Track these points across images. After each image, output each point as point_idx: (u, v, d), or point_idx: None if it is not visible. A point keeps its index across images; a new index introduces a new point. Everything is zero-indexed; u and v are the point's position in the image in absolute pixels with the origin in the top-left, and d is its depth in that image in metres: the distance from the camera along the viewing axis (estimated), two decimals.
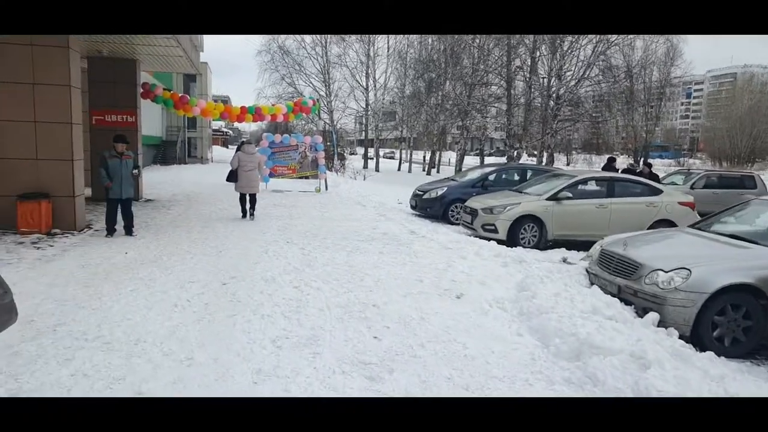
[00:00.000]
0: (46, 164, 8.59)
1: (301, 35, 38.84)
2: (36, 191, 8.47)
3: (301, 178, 17.47)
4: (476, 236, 9.69)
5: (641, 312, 4.95)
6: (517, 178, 12.53)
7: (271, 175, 17.05)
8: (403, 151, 46.39)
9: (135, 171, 8.67)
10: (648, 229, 9.49)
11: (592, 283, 5.88)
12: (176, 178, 21.39)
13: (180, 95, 14.29)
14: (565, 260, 8.42)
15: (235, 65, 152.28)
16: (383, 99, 41.19)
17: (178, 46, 11.54)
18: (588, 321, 4.38)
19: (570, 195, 9.60)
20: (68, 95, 8.58)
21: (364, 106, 40.65)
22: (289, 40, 39.07)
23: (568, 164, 49.22)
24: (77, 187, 8.90)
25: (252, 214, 11.07)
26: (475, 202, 10.22)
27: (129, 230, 8.76)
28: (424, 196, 12.30)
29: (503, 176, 12.66)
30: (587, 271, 6.25)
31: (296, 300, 5.35)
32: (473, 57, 31.81)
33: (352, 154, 48.82)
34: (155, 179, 20.48)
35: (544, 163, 35.76)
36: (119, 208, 8.68)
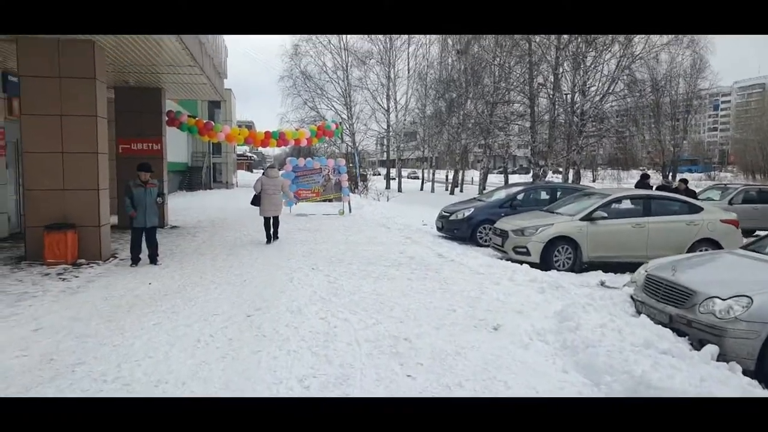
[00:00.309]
0: (72, 194, 8.57)
1: (323, 60, 39.39)
2: (62, 222, 8.45)
3: (324, 201, 17.35)
4: (507, 259, 9.37)
5: (697, 344, 4.56)
6: (546, 197, 12.17)
7: (296, 199, 16.97)
8: (426, 171, 46.21)
9: (159, 199, 8.59)
10: (689, 249, 9.06)
11: (639, 312, 5.49)
12: (201, 204, 21.51)
13: (205, 122, 14.36)
14: (602, 284, 8.03)
15: (259, 91, 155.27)
16: (404, 120, 41.24)
17: (202, 74, 11.59)
18: (641, 356, 4.01)
19: (605, 214, 9.21)
20: (95, 125, 8.59)
21: (386, 128, 40.75)
22: (311, 65, 39.59)
23: (594, 181, 48.34)
24: (103, 216, 8.86)
25: (276, 236, 11.24)
26: (505, 224, 9.89)
27: (153, 259, 8.67)
28: (451, 218, 12.00)
29: (532, 195, 12.32)
30: (633, 298, 5.86)
31: (323, 333, 5.09)
32: (494, 75, 31.67)
33: (376, 174, 48.78)
34: (181, 205, 20.61)
35: (570, 181, 35.18)
36: (144, 237, 8.61)
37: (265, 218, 11.19)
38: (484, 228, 11.58)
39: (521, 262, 8.91)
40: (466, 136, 37.37)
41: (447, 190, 42.13)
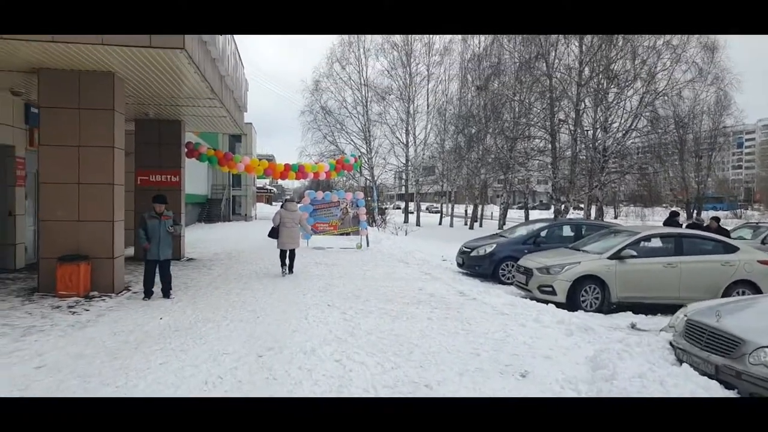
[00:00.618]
0: (86, 225, 8.46)
1: (342, 96, 39.88)
2: (76, 253, 8.32)
3: (342, 234, 17.15)
4: (531, 298, 8.97)
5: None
6: (570, 233, 11.78)
7: (313, 232, 16.80)
8: (444, 205, 45.97)
9: (170, 229, 8.37)
10: (725, 291, 8.59)
11: (680, 360, 5.06)
12: (219, 236, 21.45)
13: (224, 153, 14.36)
14: (634, 326, 7.58)
15: (280, 126, 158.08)
16: (423, 154, 41.28)
17: (222, 107, 11.60)
18: None
19: (634, 253, 8.81)
20: (111, 156, 8.54)
21: (404, 162, 40.78)
22: (331, 101, 40.09)
23: (615, 217, 47.52)
24: (117, 248, 8.72)
25: (291, 270, 11.27)
26: (530, 261, 9.51)
27: (166, 293, 8.46)
28: (472, 254, 11.66)
29: (555, 232, 11.95)
30: (672, 345, 5.43)
31: (338, 378, 4.76)
32: (514, 111, 31.64)
33: (397, 208, 48.62)
34: (199, 237, 20.59)
35: (592, 217, 34.54)
36: (158, 270, 8.43)
37: (281, 251, 11.21)
38: (507, 265, 11.20)
39: (546, 302, 8.51)
40: (486, 171, 37.19)
41: (466, 224, 41.78)
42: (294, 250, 11.37)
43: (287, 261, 11.21)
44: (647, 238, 9.22)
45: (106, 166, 8.53)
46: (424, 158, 41.62)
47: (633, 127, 26.53)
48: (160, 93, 10.15)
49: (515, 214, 52.87)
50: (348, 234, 17.15)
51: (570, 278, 8.74)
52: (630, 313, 8.53)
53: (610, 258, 8.83)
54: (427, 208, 59.74)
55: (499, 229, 36.48)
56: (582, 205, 34.18)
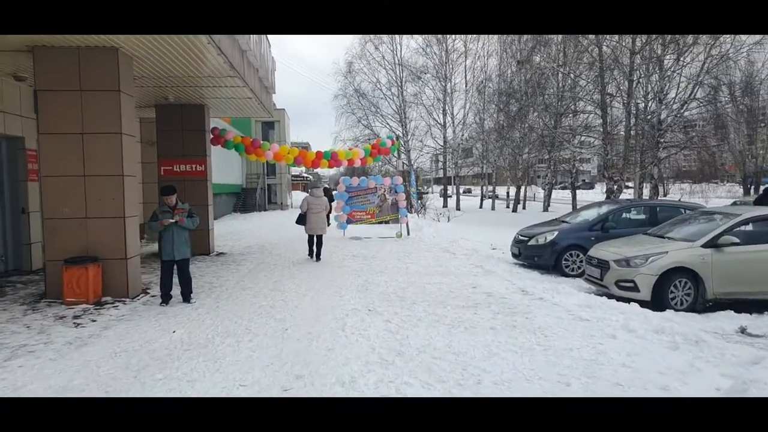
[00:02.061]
0: (95, 223, 7.50)
1: (376, 77, 38.52)
2: (83, 254, 7.38)
3: (380, 223, 15.93)
4: (606, 294, 7.57)
5: None
6: (643, 217, 10.22)
7: (349, 221, 15.66)
8: (484, 187, 44.23)
9: (173, 219, 7.15)
10: None
11: None
12: (254, 227, 20.61)
13: (252, 139, 13.28)
14: (743, 331, 6.15)
15: (316, 114, 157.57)
16: (462, 135, 39.60)
17: (245, 86, 10.48)
18: None
19: (736, 240, 7.27)
20: (119, 144, 7.52)
21: (442, 143, 39.20)
22: (365, 83, 38.78)
23: (665, 196, 44.68)
24: (130, 247, 7.74)
25: (318, 257, 11.36)
26: (604, 252, 8.06)
27: (186, 296, 7.46)
28: (530, 243, 10.25)
29: (625, 215, 10.37)
30: None
31: None
32: (558, 84, 29.69)
33: (429, 193, 47.04)
34: (232, 229, 19.77)
35: (646, 196, 32.30)
36: (174, 271, 7.42)
37: (309, 236, 11.56)
38: (571, 255, 9.78)
39: (627, 300, 7.11)
40: (529, 150, 35.30)
41: (508, 207, 40.02)
42: (321, 236, 11.50)
43: (314, 247, 11.44)
44: (749, 222, 7.65)
45: (113, 155, 7.51)
46: (463, 139, 39.90)
47: (693, 97, 24.26)
48: (174, 71, 9.07)
49: (558, 195, 50.44)
50: (387, 222, 15.92)
51: (656, 271, 7.28)
52: (731, 312, 7.05)
53: (705, 246, 7.33)
54: (463, 192, 57.91)
55: (544, 211, 34.78)
56: (630, 184, 31.97)
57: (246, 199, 32.66)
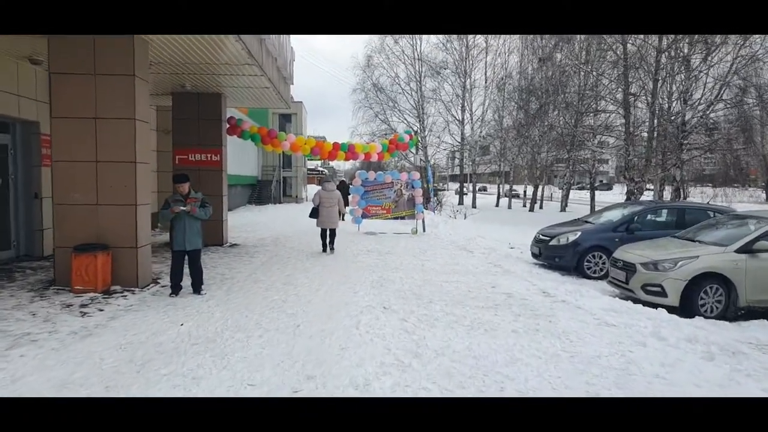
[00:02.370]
0: (106, 210, 7.33)
1: (395, 72, 38.19)
2: (93, 242, 7.22)
3: (396, 218, 15.66)
4: (630, 298, 7.24)
5: None
6: (670, 219, 9.83)
7: (364, 216, 15.41)
8: (501, 186, 43.71)
9: (184, 208, 6.93)
10: None
11: None
12: (268, 219, 20.47)
13: (268, 130, 13.08)
14: None
15: (334, 108, 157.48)
16: (480, 132, 39.12)
17: (263, 75, 10.26)
18: None
19: None
20: (133, 130, 7.33)
21: (460, 140, 38.79)
22: (383, 77, 38.46)
23: (685, 199, 43.68)
24: (141, 236, 7.56)
25: (332, 249, 11.51)
26: (631, 254, 7.72)
27: (197, 288, 7.27)
28: (551, 243, 9.91)
29: (649, 217, 9.99)
30: None
31: None
32: (580, 82, 29.11)
33: (445, 189, 46.66)
34: (247, 221, 19.64)
35: (667, 198, 31.54)
36: (186, 262, 7.23)
37: (321, 230, 11.60)
38: (594, 256, 9.43)
39: (654, 305, 6.78)
40: (548, 149, 34.76)
41: (524, 206, 39.52)
42: (334, 229, 11.58)
43: (327, 239, 11.49)
44: None
45: (126, 141, 7.33)
46: (481, 136, 39.41)
47: (720, 98, 23.55)
48: (191, 58, 8.88)
49: (575, 195, 49.65)
50: (402, 218, 15.64)
51: (686, 276, 6.93)
52: (765, 321, 6.70)
53: (739, 251, 6.96)
54: (479, 190, 57.32)
55: (561, 211, 34.23)
56: (650, 186, 31.28)
57: (261, 191, 32.58)
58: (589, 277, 9.36)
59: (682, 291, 6.93)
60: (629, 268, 7.47)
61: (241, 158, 27.48)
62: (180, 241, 7.04)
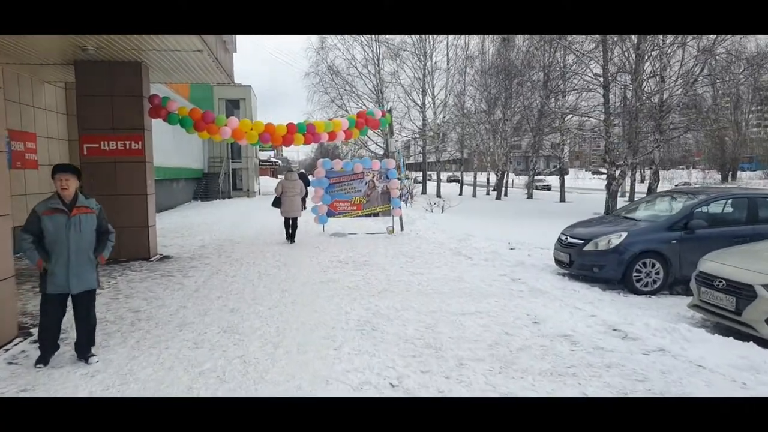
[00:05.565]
0: None
1: (351, 53, 35.42)
2: None
3: (368, 215, 13.05)
4: (752, 337, 4.91)
5: None
6: (738, 212, 7.55)
7: (330, 214, 12.74)
8: (462, 174, 41.68)
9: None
10: None
11: None
12: (213, 218, 17.50)
13: (203, 112, 10.17)
14: None
15: (284, 96, 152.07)
16: (443, 117, 36.85)
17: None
18: None
19: None
20: None
21: (421, 126, 36.44)
22: (339, 60, 35.60)
23: (657, 182, 42.77)
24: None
25: (293, 239, 11.60)
26: (739, 269, 5.26)
27: (83, 351, 4.48)
28: (586, 248, 7.48)
29: (707, 209, 7.63)
30: None
31: None
32: (550, 58, 27.27)
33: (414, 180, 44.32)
34: (187, 222, 16.61)
35: (645, 183, 30.19)
36: (66, 310, 4.45)
37: (285, 219, 11.62)
38: (644, 264, 7.12)
39: None
40: (519, 134, 32.90)
41: (488, 194, 37.67)
42: (296, 218, 11.71)
43: (290, 230, 11.61)
44: None
45: None
46: (445, 122, 37.13)
47: (706, 74, 21.90)
48: None
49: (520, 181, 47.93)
50: (376, 215, 13.04)
51: None
52: None
53: None
54: (447, 179, 55.15)
55: (528, 198, 32.42)
56: (613, 171, 29.76)
57: (208, 186, 29.30)
58: (639, 292, 7.06)
59: None
60: (739, 291, 5.09)
61: (183, 148, 24.18)
62: (61, 278, 4.24)
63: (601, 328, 5.14)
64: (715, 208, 7.55)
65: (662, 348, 4.52)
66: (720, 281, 5.28)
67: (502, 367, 4.14)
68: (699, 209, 7.37)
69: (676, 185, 29.46)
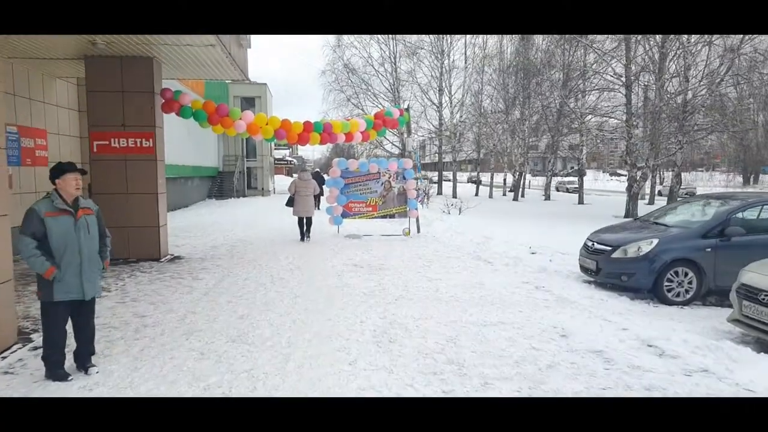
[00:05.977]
0: None
1: (368, 51, 35.13)
2: None
3: (384, 216, 12.73)
4: None
5: None
6: None
7: (345, 215, 12.45)
8: (478, 174, 41.18)
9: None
10: None
11: None
12: (227, 218, 17.30)
13: (217, 105, 9.93)
14: None
15: (301, 95, 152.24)
16: (460, 117, 36.39)
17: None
18: None
19: None
20: None
21: (437, 125, 36.03)
22: (355, 58, 35.32)
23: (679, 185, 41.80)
24: None
25: (308, 237, 11.63)
26: None
27: (84, 361, 4.23)
28: (615, 255, 7.08)
29: (744, 215, 7.16)
30: None
31: None
32: (567, 58, 26.71)
33: (430, 180, 43.90)
34: (202, 220, 16.46)
35: (665, 186, 29.41)
36: (74, 319, 4.20)
37: (298, 218, 11.62)
38: (676, 273, 6.70)
39: None
40: (537, 135, 32.36)
41: (504, 195, 37.16)
42: (310, 217, 11.69)
43: (304, 227, 11.62)
44: None
45: None
46: (462, 121, 36.65)
47: (734, 73, 21.17)
48: None
49: (537, 182, 47.14)
50: (392, 216, 12.73)
51: None
52: None
53: None
54: (468, 179, 54.61)
55: (546, 200, 31.83)
56: (632, 173, 29.07)
57: (222, 184, 29.19)
58: (670, 302, 6.66)
59: None
60: None
61: (198, 146, 24.11)
62: (73, 284, 3.99)
63: (635, 343, 4.77)
64: (751, 213, 7.10)
65: (705, 368, 4.14)
66: (765, 295, 4.87)
67: (531, 388, 3.80)
68: (735, 215, 6.92)
69: (685, 194, 28.58)
